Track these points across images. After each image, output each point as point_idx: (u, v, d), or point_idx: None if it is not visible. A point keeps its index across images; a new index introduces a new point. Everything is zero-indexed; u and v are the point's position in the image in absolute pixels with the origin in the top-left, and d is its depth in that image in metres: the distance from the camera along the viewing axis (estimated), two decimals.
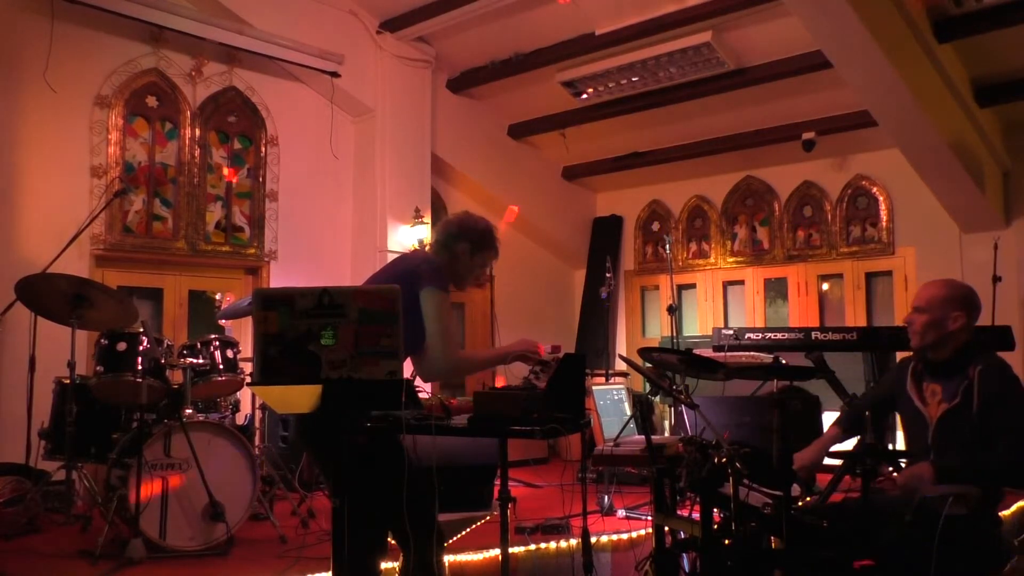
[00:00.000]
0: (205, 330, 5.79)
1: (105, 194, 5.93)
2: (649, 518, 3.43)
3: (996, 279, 6.54)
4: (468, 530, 3.88)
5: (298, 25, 6.82)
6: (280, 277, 6.94)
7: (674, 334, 6.07)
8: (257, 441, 5.59)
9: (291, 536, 4.33)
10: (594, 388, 6.04)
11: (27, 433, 4.79)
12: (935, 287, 2.99)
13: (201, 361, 4.62)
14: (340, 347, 2.21)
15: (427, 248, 3.39)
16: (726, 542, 2.62)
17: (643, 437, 2.97)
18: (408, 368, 2.92)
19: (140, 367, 4.38)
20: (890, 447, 3.71)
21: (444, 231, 3.09)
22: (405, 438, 2.66)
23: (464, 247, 3.02)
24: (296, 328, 2.21)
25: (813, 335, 6.19)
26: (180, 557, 3.92)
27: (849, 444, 3.25)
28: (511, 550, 3.45)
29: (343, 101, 7.33)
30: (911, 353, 3.06)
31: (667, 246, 6.34)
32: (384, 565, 2.84)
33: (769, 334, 6.01)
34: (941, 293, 2.94)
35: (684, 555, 2.96)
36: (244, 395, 5.69)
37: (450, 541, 3.79)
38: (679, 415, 5.46)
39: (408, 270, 2.93)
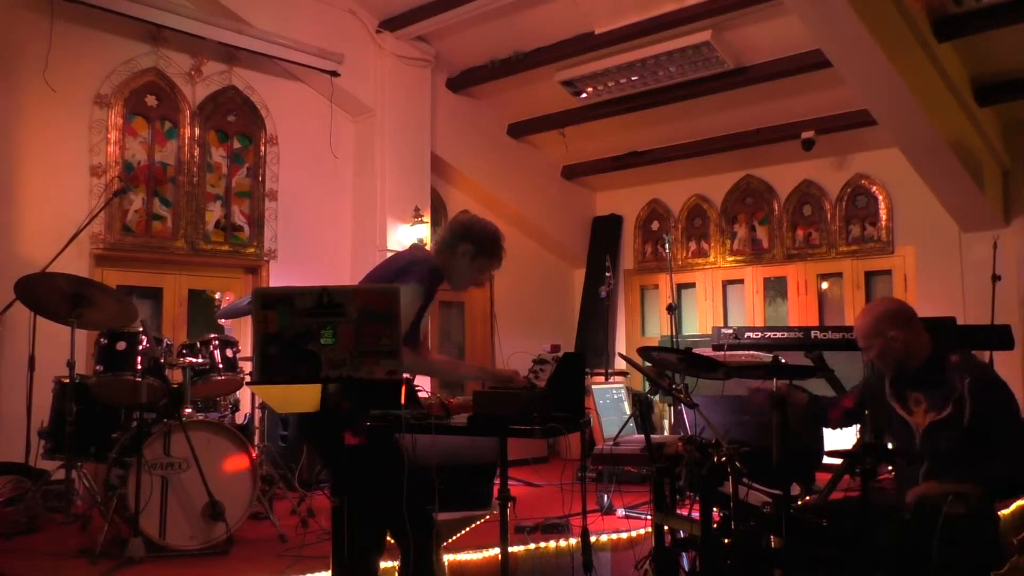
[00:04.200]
0: (205, 329, 5.79)
1: (104, 193, 5.93)
2: (649, 517, 3.43)
3: (996, 278, 6.54)
4: (468, 529, 3.88)
5: (297, 24, 6.81)
6: (280, 276, 6.94)
7: (674, 333, 6.07)
8: (257, 440, 5.59)
9: (291, 535, 4.33)
10: (593, 387, 6.03)
11: (27, 432, 4.79)
12: (861, 319, 3.04)
13: (200, 360, 4.61)
14: (339, 346, 2.21)
15: (427, 246, 3.41)
16: (726, 541, 2.63)
17: (643, 436, 2.97)
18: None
19: (140, 366, 4.38)
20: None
21: (451, 229, 3.11)
22: (405, 437, 2.67)
23: (467, 248, 3.04)
24: (296, 327, 2.21)
25: (813, 334, 6.19)
26: (180, 556, 3.92)
27: (848, 444, 3.24)
28: (511, 549, 3.45)
29: (342, 100, 7.33)
30: None
31: (667, 245, 6.33)
32: (384, 565, 2.84)
33: (769, 333, 6.01)
34: (868, 322, 3.00)
35: (684, 554, 2.96)
36: (244, 394, 5.68)
37: (450, 540, 3.79)
38: (679, 414, 5.46)
39: (399, 269, 2.95)
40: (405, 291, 2.83)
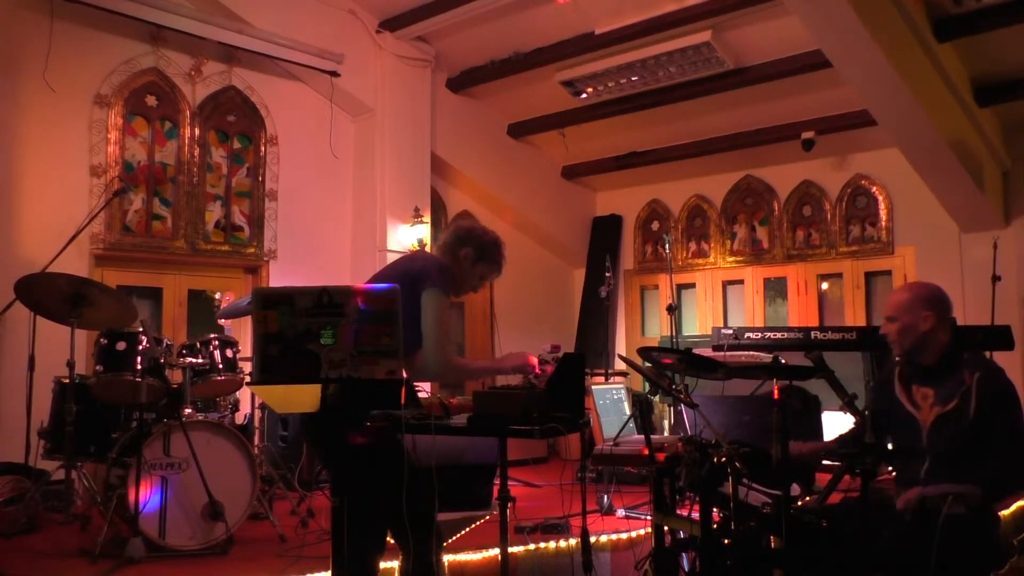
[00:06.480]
0: (205, 329, 5.78)
1: (104, 193, 5.93)
2: (648, 517, 3.43)
3: (995, 278, 6.54)
4: (467, 529, 3.87)
5: (298, 24, 6.81)
6: (279, 276, 6.94)
7: (674, 333, 6.07)
8: (256, 440, 5.59)
9: (290, 535, 4.33)
10: (593, 387, 6.02)
11: (26, 432, 4.79)
12: (901, 292, 3.02)
13: (200, 360, 4.61)
14: (339, 346, 2.21)
15: (427, 249, 3.41)
16: (725, 541, 2.62)
17: (642, 436, 2.97)
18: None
19: (139, 366, 4.37)
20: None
21: (452, 234, 3.12)
22: (404, 438, 2.67)
23: (468, 253, 3.06)
24: (295, 327, 2.21)
25: (812, 334, 6.20)
26: (179, 556, 3.92)
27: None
28: (510, 550, 3.45)
29: (343, 100, 7.33)
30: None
31: (667, 245, 6.33)
32: (384, 565, 2.84)
33: (768, 333, 6.01)
34: (906, 297, 2.96)
35: (684, 554, 2.96)
36: (243, 394, 5.68)
37: (449, 541, 3.79)
38: (679, 414, 5.46)
39: (413, 271, 2.94)
40: (433, 297, 2.84)
